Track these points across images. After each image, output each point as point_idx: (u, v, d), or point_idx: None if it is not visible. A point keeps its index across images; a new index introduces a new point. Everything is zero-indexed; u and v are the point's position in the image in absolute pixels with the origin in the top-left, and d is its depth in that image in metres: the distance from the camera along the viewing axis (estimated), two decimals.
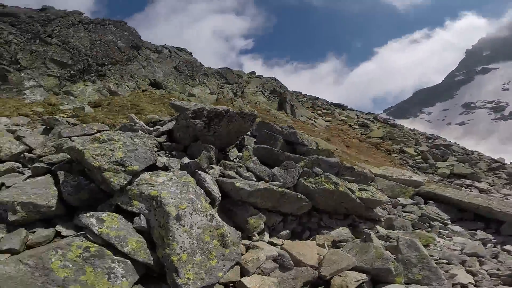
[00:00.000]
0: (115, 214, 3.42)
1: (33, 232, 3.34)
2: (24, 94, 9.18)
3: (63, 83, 10.98)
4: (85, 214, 3.24)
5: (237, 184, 4.15)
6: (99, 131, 5.25)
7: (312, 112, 23.49)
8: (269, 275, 3.64)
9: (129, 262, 3.04)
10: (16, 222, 3.36)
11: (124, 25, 16.33)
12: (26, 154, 4.37)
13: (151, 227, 3.34)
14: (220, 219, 3.73)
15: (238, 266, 3.55)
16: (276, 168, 5.20)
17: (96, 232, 3.11)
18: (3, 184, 3.87)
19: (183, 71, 19.38)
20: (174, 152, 5.09)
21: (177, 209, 3.11)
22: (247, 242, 4.18)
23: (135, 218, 3.43)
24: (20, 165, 4.28)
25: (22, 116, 6.76)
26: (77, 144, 3.80)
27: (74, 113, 7.21)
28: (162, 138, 5.43)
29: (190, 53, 22.65)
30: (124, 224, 3.35)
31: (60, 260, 2.85)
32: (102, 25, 14.74)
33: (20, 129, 5.42)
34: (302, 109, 22.70)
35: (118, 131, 4.66)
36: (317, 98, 32.38)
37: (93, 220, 3.22)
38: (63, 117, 6.25)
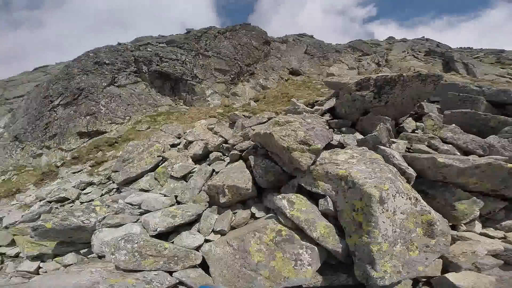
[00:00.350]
0: (301, 196, 3.33)
1: (235, 214, 3.79)
2: (208, 101, 11.61)
3: (228, 86, 13.11)
4: (278, 196, 3.30)
5: (440, 160, 3.20)
6: (269, 119, 5.64)
7: (502, 68, 16.86)
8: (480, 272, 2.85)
9: (316, 248, 2.87)
10: (224, 204, 3.88)
11: (250, 26, 17.54)
12: (223, 144, 5.24)
13: (338, 211, 3.02)
14: (425, 203, 2.99)
15: (441, 260, 2.91)
16: (491, 136, 3.72)
17: (288, 214, 3.06)
18: (213, 170, 4.74)
19: (314, 53, 18.98)
20: (343, 129, 4.68)
21: (379, 190, 2.63)
22: (452, 232, 3.25)
23: (320, 200, 3.21)
24: (220, 154, 5.16)
25: (212, 117, 8.42)
26: (261, 130, 4.06)
27: (243, 108, 8.30)
28: (326, 117, 5.14)
29: (311, 36, 22.14)
30: (311, 207, 3.20)
31: (257, 244, 2.95)
32: (234, 31, 16.43)
33: (214, 127, 6.70)
34: (483, 66, 16.75)
35: (289, 114, 4.76)
36: (502, 51, 23.27)
37: (284, 202, 3.18)
38: (238, 113, 7.27)
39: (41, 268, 3.96)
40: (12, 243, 4.71)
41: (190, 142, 5.92)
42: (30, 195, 6.66)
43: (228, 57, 14.59)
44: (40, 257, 4.12)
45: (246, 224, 3.67)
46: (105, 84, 10.78)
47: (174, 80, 12.54)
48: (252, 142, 4.73)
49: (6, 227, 5.29)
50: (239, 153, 4.71)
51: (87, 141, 8.85)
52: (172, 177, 4.79)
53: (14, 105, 15.43)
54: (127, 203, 4.17)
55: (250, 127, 5.39)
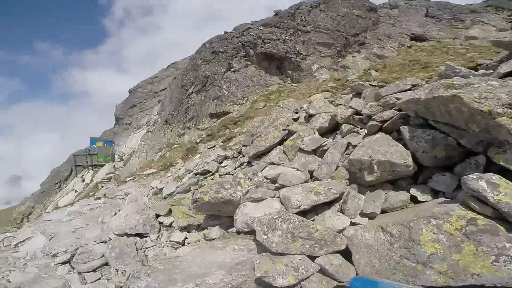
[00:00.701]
0: (503, 178, 2.30)
1: (385, 195, 3.02)
2: (315, 76, 10.75)
3: (336, 60, 11.74)
4: (470, 176, 2.36)
5: None
6: (413, 86, 4.42)
7: None
8: None
9: None
10: (369, 182, 3.15)
11: None
12: (354, 116, 4.42)
13: None
14: None
15: None
16: None
17: (490, 200, 2.18)
18: (349, 143, 4.03)
19: (440, 16, 14.95)
20: None
21: None
22: None
23: None
24: (352, 126, 4.37)
25: (324, 92, 7.61)
26: (421, 95, 3.06)
27: (363, 79, 7.05)
28: (510, 81, 3.50)
29: None
30: None
31: (433, 233, 2.27)
32: (327, 2, 14.22)
33: (334, 99, 5.89)
34: None
35: (455, 78, 3.44)
36: None
37: (483, 184, 2.27)
38: (364, 82, 6.13)
39: (187, 239, 4.10)
40: (169, 213, 4.92)
41: (311, 116, 5.39)
42: (180, 168, 7.62)
43: (330, 30, 13.04)
44: (188, 228, 4.29)
45: (403, 208, 2.94)
46: (223, 71, 11.52)
47: (279, 59, 12.20)
48: (397, 112, 3.77)
49: (165, 198, 5.65)
50: (379, 124, 3.85)
51: (217, 121, 9.82)
52: (301, 150, 4.40)
53: (161, 97, 18.96)
54: (264, 176, 4.03)
55: (389, 95, 4.32)
